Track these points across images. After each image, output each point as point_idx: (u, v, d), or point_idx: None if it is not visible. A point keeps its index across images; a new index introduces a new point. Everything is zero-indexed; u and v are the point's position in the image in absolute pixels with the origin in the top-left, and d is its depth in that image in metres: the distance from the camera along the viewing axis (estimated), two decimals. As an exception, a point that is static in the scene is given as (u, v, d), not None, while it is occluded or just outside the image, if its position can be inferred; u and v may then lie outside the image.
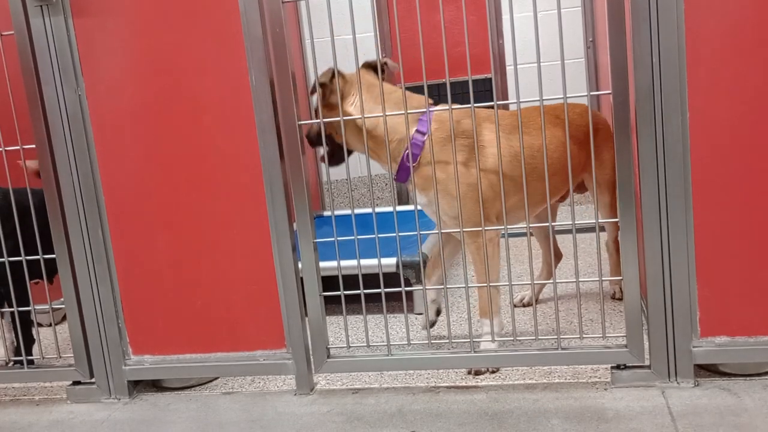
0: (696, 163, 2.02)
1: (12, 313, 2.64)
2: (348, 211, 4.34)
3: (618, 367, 2.19)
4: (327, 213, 4.45)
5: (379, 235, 2.29)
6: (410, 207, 4.21)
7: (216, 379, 2.59)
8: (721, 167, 2.02)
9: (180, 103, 2.30)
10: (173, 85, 2.29)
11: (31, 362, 2.66)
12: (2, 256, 2.52)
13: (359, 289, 2.33)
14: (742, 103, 1.98)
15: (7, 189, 2.55)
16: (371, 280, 2.42)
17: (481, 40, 4.70)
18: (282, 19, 2.16)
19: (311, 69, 4.53)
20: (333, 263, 2.38)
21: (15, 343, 2.75)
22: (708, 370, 2.19)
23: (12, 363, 2.72)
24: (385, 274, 2.39)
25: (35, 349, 2.77)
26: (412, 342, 2.43)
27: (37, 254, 2.47)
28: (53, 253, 2.43)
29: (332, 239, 2.32)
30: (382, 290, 2.33)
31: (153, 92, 2.31)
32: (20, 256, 2.48)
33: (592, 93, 2.14)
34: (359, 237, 2.31)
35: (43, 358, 2.69)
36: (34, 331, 2.75)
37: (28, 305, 2.60)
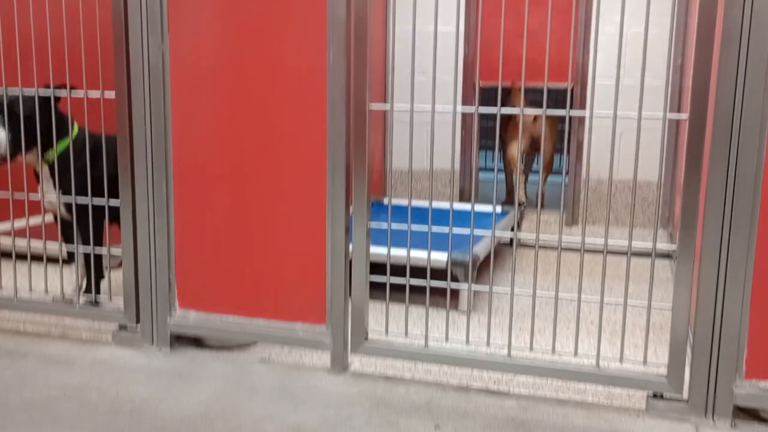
0: (767, 194, 1.96)
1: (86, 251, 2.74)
2: (405, 202, 4.35)
3: (655, 395, 2.15)
4: (386, 201, 4.47)
5: (433, 230, 2.30)
6: (467, 206, 4.19)
7: (254, 344, 2.64)
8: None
9: (257, 69, 2.34)
10: (253, 50, 2.34)
11: (96, 300, 2.76)
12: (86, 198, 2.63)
13: (406, 278, 2.34)
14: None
15: (98, 134, 2.63)
16: (418, 272, 2.43)
17: (565, 49, 4.62)
18: (367, 3, 2.18)
19: (390, 57, 4.54)
20: (383, 249, 2.40)
21: (80, 284, 2.86)
22: (747, 413, 2.13)
23: (79, 297, 2.81)
24: (432, 269, 2.40)
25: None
26: (450, 339, 2.42)
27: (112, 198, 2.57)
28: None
29: (386, 226, 2.34)
30: (428, 283, 2.34)
31: (232, 54, 2.36)
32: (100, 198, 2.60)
33: (668, 116, 2.10)
34: (413, 228, 2.32)
35: (95, 301, 2.79)
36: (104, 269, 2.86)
37: (101, 244, 2.71)
